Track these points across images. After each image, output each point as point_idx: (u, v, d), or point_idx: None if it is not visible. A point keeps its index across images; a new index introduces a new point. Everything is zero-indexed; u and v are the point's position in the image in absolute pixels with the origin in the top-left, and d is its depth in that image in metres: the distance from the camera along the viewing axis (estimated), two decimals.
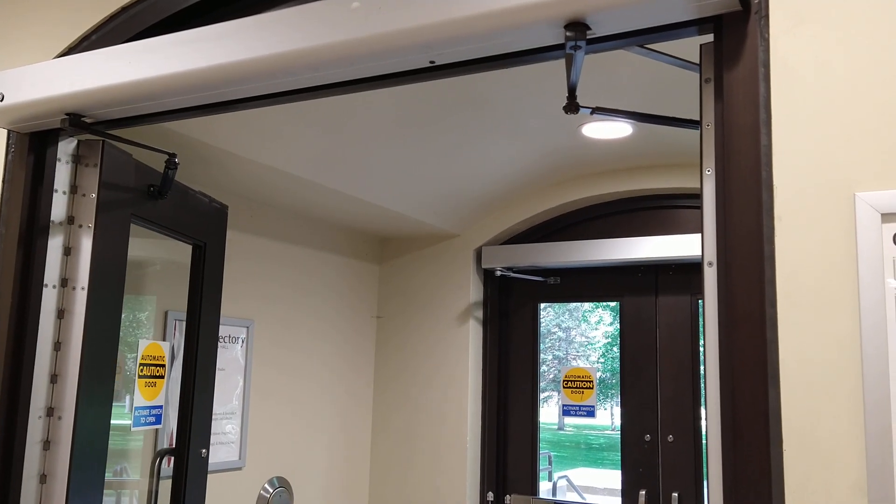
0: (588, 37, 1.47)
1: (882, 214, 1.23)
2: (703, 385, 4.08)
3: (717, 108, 1.44)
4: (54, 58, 2.21)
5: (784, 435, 1.27)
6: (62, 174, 2.24)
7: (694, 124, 1.80)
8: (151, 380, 2.67)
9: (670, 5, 1.40)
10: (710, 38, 1.52)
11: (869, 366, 1.22)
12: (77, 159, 2.28)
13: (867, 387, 1.22)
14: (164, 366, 2.75)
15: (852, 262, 1.25)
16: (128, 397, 3.47)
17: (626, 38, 1.52)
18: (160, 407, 2.74)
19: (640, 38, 1.52)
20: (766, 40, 1.36)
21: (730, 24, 1.41)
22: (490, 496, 4.41)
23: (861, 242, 1.24)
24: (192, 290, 2.87)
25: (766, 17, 1.36)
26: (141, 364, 2.62)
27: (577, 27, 1.45)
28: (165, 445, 3.36)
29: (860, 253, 1.24)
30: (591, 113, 1.76)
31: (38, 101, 2.00)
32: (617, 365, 4.33)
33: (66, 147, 2.24)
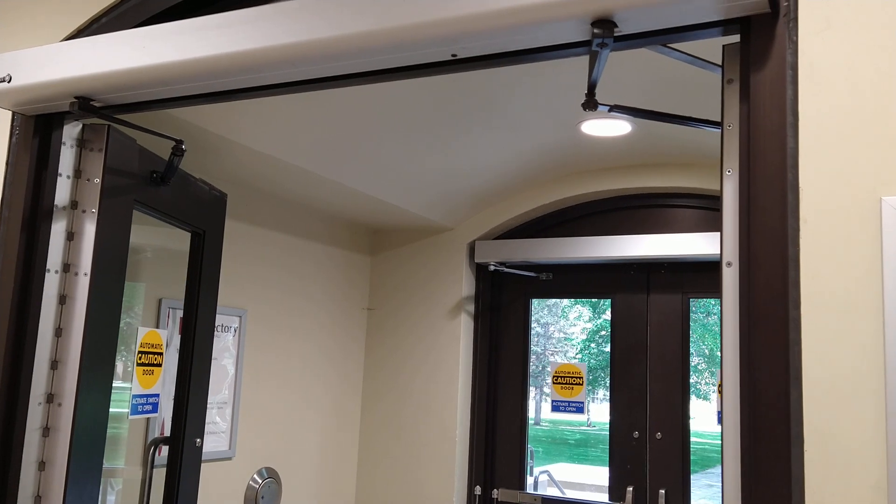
0: (615, 34, 1.47)
1: None
2: (692, 385, 4.12)
3: (742, 110, 1.45)
4: (62, 41, 2.18)
5: (805, 435, 1.29)
6: (66, 158, 2.21)
7: (714, 124, 1.80)
8: (149, 367, 2.64)
9: (699, 5, 1.40)
10: (733, 38, 1.52)
11: (892, 368, 1.24)
12: (82, 143, 2.25)
13: (890, 389, 1.24)
14: (161, 353, 2.72)
15: (877, 265, 1.27)
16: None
17: (651, 36, 1.52)
18: (157, 395, 2.71)
19: (665, 37, 1.53)
20: (795, 43, 1.37)
21: (758, 26, 1.41)
22: (478, 490, 4.43)
23: (886, 246, 1.26)
24: (190, 279, 2.84)
25: (796, 19, 1.37)
26: (140, 352, 2.59)
27: (604, 24, 1.45)
28: (157, 434, 3.34)
29: (885, 256, 1.26)
30: (609, 110, 1.76)
31: (46, 84, 1.97)
32: (594, 361, 4.37)
33: (71, 131, 2.22)
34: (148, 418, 3.23)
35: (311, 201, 4.10)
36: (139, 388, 2.60)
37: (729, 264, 1.48)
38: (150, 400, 2.66)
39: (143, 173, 2.43)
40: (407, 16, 1.57)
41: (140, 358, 2.60)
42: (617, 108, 1.75)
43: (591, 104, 1.68)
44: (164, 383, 3.53)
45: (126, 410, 2.80)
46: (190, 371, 2.77)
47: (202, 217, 2.84)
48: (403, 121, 3.33)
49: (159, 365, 2.71)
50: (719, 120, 1.78)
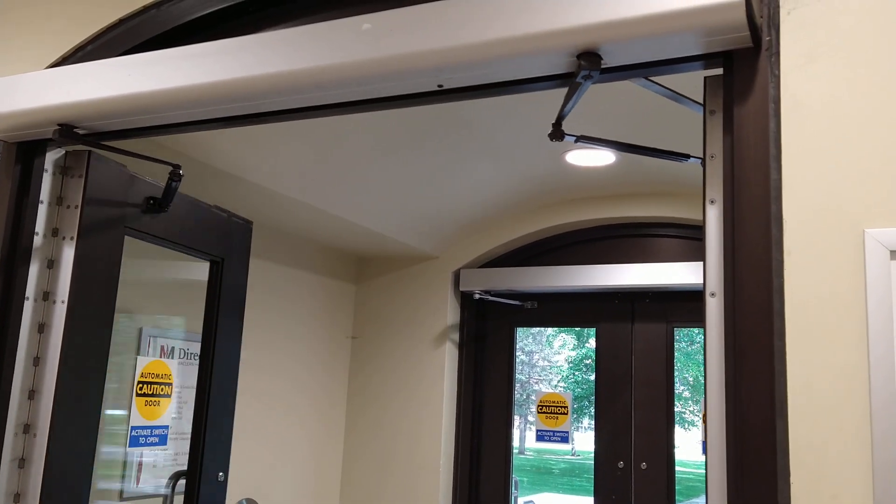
0: (600, 67, 1.48)
1: (891, 251, 1.26)
2: (676, 413, 4.11)
3: (725, 142, 1.46)
4: (46, 68, 2.17)
5: (791, 467, 1.28)
6: (48, 185, 2.19)
7: (678, 156, 1.82)
8: (154, 398, 2.55)
9: (683, 40, 1.42)
10: (714, 71, 1.54)
11: (877, 399, 1.24)
12: (64, 170, 2.23)
13: (875, 420, 1.24)
14: (170, 384, 2.64)
15: (861, 297, 1.27)
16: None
17: (635, 69, 1.54)
18: (165, 427, 2.62)
19: (648, 69, 1.54)
20: (777, 77, 1.38)
21: (740, 60, 1.43)
22: None
23: (870, 278, 1.26)
24: (208, 307, 2.80)
25: (777, 54, 1.39)
26: (140, 382, 2.51)
27: (589, 57, 1.47)
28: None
29: (869, 288, 1.26)
30: (576, 141, 1.76)
31: (29, 111, 1.96)
32: (579, 390, 4.37)
33: (53, 158, 2.20)
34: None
35: (296, 229, 4.09)
36: (140, 420, 2.51)
37: (713, 295, 1.48)
38: (156, 432, 2.57)
39: (136, 199, 2.39)
40: (394, 47, 1.58)
41: (141, 388, 2.52)
42: (584, 139, 1.76)
43: (557, 134, 1.68)
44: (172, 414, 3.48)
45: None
46: (207, 402, 2.70)
47: (219, 244, 2.79)
48: (390, 150, 3.34)
49: (167, 396, 2.62)
50: (688, 152, 1.80)
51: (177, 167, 2.34)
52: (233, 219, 2.85)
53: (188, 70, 1.74)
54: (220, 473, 2.71)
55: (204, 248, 2.71)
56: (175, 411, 2.66)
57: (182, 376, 2.94)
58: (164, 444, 2.60)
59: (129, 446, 2.46)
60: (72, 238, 2.21)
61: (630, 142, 1.86)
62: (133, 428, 2.47)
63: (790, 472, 1.28)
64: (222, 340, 2.77)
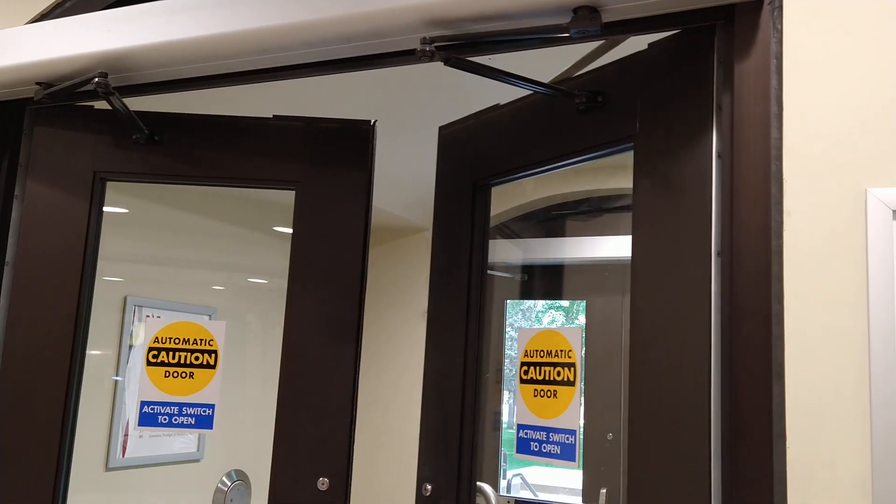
0: (600, 24, 1.43)
1: (893, 211, 1.22)
2: None
3: (725, 99, 1.42)
4: (25, 24, 2.10)
5: (788, 432, 1.25)
6: (27, 147, 2.13)
7: (561, 92, 1.76)
8: (180, 369, 2.05)
9: None
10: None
11: (876, 363, 1.21)
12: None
13: (874, 384, 1.21)
14: (212, 352, 2.12)
15: (862, 258, 1.24)
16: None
17: (634, 25, 1.49)
18: (208, 406, 2.08)
19: (647, 25, 1.49)
20: (780, 32, 1.34)
21: (743, 14, 1.38)
22: None
23: (871, 239, 1.23)
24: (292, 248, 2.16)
25: (780, 8, 1.34)
26: (154, 348, 2.03)
27: (587, 12, 1.42)
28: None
29: (870, 249, 1.23)
30: (445, 63, 1.61)
31: (7, 69, 1.89)
32: None
33: (33, 119, 2.13)
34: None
35: (282, 197, 4.03)
36: (155, 393, 2.01)
37: (718, 254, 1.43)
38: (189, 410, 2.04)
39: (112, 140, 2.08)
40: (377, 0, 1.53)
41: (154, 356, 2.04)
42: (455, 63, 1.61)
43: (425, 54, 1.52)
44: (129, 394, 3.40)
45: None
46: (282, 382, 2.23)
47: (290, 165, 2.13)
48: (375, 116, 3.28)
49: (206, 367, 2.09)
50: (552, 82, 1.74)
51: (102, 75, 1.76)
52: (318, 125, 2.15)
53: (169, 26, 1.68)
54: (323, 479, 2.03)
55: (253, 176, 2.09)
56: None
57: None
58: (208, 426, 2.06)
59: (140, 425, 1.97)
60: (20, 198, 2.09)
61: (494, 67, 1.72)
62: (145, 403, 2.00)
63: (786, 436, 1.25)
64: (308, 290, 2.17)
